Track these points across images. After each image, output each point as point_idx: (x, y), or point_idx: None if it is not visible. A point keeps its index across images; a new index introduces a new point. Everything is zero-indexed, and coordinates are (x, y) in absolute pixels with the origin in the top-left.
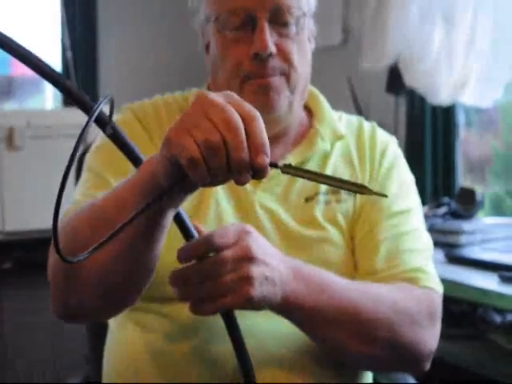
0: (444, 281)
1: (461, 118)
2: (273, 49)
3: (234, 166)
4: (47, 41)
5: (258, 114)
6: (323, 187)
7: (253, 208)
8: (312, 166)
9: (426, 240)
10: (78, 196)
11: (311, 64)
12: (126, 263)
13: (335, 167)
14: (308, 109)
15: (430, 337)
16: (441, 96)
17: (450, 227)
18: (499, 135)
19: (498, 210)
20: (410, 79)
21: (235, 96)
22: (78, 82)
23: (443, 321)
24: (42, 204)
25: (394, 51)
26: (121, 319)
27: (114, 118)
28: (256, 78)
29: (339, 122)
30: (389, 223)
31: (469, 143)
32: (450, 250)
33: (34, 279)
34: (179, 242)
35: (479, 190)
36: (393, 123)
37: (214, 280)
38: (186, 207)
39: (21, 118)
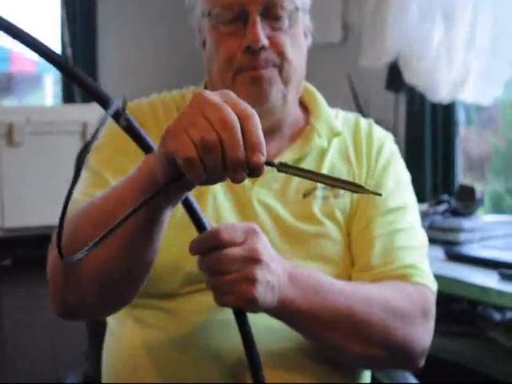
0: (444, 278)
1: (461, 116)
2: (265, 42)
3: (230, 164)
4: (47, 38)
5: (254, 112)
6: (319, 184)
7: (251, 203)
8: (309, 162)
9: (421, 237)
10: (77, 195)
11: (310, 61)
12: (124, 260)
13: (332, 163)
14: (304, 106)
15: (423, 334)
16: (440, 93)
17: (450, 225)
18: (499, 133)
19: (498, 207)
20: (409, 76)
21: (231, 94)
22: None
23: (443, 319)
24: (42, 201)
25: (394, 48)
26: (120, 316)
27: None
28: (248, 70)
29: (336, 118)
30: (384, 219)
31: (469, 141)
32: (449, 248)
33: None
34: (178, 238)
35: (479, 187)
36: (392, 120)
37: (219, 276)
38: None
39: (20, 114)
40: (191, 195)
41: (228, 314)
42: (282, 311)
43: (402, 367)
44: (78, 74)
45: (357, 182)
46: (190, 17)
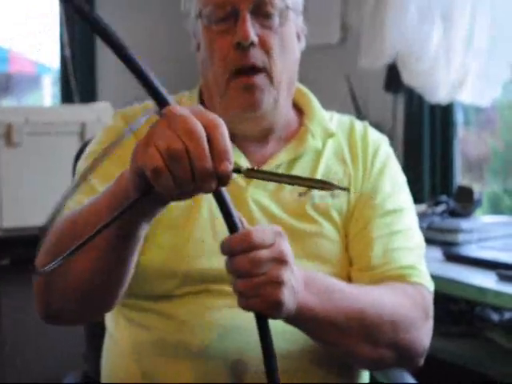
0: (442, 279)
1: (459, 117)
2: (254, 39)
3: (198, 174)
4: (46, 38)
5: (221, 121)
6: None
7: (246, 204)
8: (305, 162)
9: (419, 239)
10: (73, 203)
11: (309, 61)
12: (101, 271)
13: (328, 164)
14: (298, 108)
15: (424, 335)
16: (439, 94)
17: (448, 225)
18: (497, 134)
19: (496, 208)
20: (408, 78)
21: (200, 107)
22: (77, 79)
23: (441, 319)
24: (41, 200)
25: (393, 50)
26: (116, 318)
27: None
28: (241, 73)
29: (330, 121)
30: (382, 221)
31: (467, 142)
32: (447, 249)
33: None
34: (173, 239)
35: (477, 188)
36: (391, 121)
37: (248, 279)
38: (179, 205)
39: (19, 114)
40: (226, 193)
41: (224, 317)
42: (300, 317)
43: (404, 366)
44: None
45: (353, 184)
46: (186, 22)
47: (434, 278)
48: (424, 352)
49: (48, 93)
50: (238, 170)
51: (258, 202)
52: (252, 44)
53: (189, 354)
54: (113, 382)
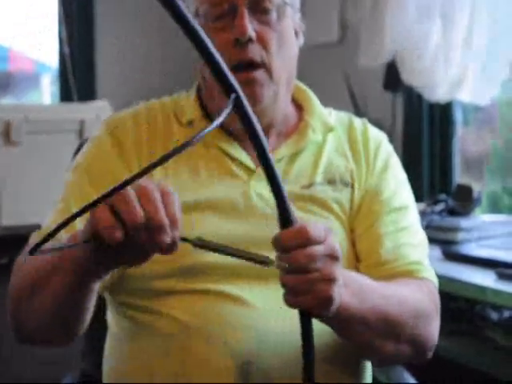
0: (441, 278)
1: (458, 116)
2: (252, 34)
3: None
4: (45, 36)
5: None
6: (318, 177)
7: (249, 197)
8: (307, 157)
9: (422, 235)
10: (48, 222)
11: (308, 60)
12: (57, 312)
13: (330, 158)
14: (297, 103)
15: (435, 330)
16: (438, 93)
17: (447, 224)
18: (497, 132)
19: (495, 207)
20: (407, 76)
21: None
22: (76, 77)
23: (441, 317)
24: (40, 199)
25: (392, 48)
26: (118, 317)
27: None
28: (240, 69)
29: (329, 116)
30: (388, 219)
31: (466, 141)
32: (447, 247)
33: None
34: None
35: (476, 187)
36: (390, 120)
37: (301, 274)
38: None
39: (18, 112)
40: (283, 186)
41: (227, 317)
42: (337, 316)
43: (416, 361)
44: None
45: (356, 179)
46: None
47: None
48: (434, 346)
49: (47, 91)
50: (185, 239)
51: (261, 195)
52: (250, 40)
53: (191, 355)
54: (114, 381)
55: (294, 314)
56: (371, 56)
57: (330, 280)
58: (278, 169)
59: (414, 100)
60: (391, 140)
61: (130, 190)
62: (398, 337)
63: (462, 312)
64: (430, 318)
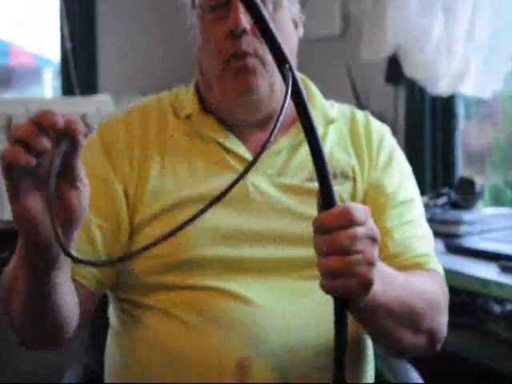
0: (444, 271)
1: (460, 109)
2: (246, 26)
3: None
4: (46, 31)
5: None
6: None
7: (246, 189)
8: (307, 148)
9: (427, 228)
10: None
11: (310, 53)
12: (31, 313)
13: (331, 151)
14: None
15: (445, 321)
16: (440, 86)
17: (450, 217)
18: (499, 126)
19: (498, 200)
20: (409, 70)
21: None
22: (77, 71)
23: None
24: None
25: (394, 41)
26: (119, 314)
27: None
28: (233, 59)
29: (331, 108)
30: (394, 213)
31: (468, 134)
32: (449, 240)
33: None
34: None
35: (479, 180)
36: (392, 114)
37: (343, 256)
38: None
39: (20, 106)
40: (328, 166)
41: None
42: (367, 304)
43: (427, 353)
44: None
45: (358, 173)
46: (183, 15)
47: None
48: (444, 338)
49: (49, 86)
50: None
51: (258, 187)
52: (244, 32)
53: (191, 353)
54: (115, 377)
55: (294, 311)
56: (373, 49)
57: (371, 263)
58: (278, 161)
59: (416, 93)
60: (393, 133)
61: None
62: (417, 328)
63: (464, 305)
64: (442, 310)
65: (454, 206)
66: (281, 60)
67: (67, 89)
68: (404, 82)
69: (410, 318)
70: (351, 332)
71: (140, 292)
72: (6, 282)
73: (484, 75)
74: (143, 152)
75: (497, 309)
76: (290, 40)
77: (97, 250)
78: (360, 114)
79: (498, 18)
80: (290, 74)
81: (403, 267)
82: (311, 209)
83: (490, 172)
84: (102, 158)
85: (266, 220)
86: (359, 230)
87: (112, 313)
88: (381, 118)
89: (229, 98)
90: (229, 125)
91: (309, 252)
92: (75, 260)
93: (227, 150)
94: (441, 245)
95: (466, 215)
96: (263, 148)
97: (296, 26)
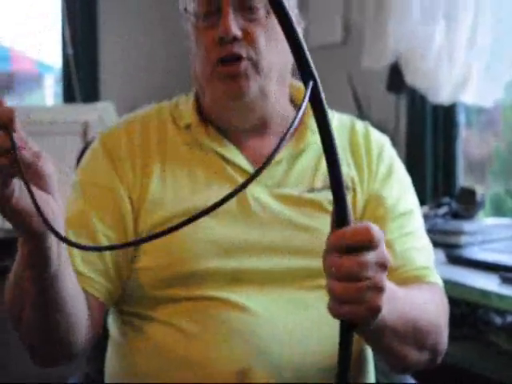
0: (444, 281)
1: (461, 118)
2: (237, 32)
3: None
4: (48, 37)
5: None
6: (318, 182)
7: (246, 201)
8: (307, 159)
9: (426, 240)
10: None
11: (312, 61)
12: (40, 317)
13: None
14: (296, 104)
15: (446, 334)
16: (442, 95)
17: (451, 227)
18: (500, 135)
19: (499, 210)
20: (411, 78)
21: None
22: (79, 78)
23: None
24: None
25: (395, 49)
26: (120, 325)
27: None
28: (221, 64)
29: (331, 118)
30: (394, 225)
31: (469, 143)
32: (450, 251)
33: None
34: (162, 250)
35: (480, 190)
36: (393, 122)
37: (351, 283)
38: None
39: (21, 113)
40: (344, 182)
41: (227, 325)
42: (375, 326)
43: (428, 367)
44: None
45: (358, 185)
46: (182, 23)
47: None
48: (444, 351)
49: (50, 92)
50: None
51: (258, 198)
52: (235, 39)
53: (192, 363)
54: None
55: (296, 321)
56: (375, 57)
57: (380, 289)
58: (278, 171)
59: (417, 102)
60: (394, 142)
61: None
62: (422, 345)
63: (465, 316)
64: (443, 324)
65: (455, 215)
66: (303, 66)
67: (68, 95)
68: (405, 90)
69: (415, 335)
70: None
71: (143, 304)
72: (11, 292)
73: (485, 83)
74: (144, 161)
75: (498, 320)
76: (282, 46)
77: (105, 261)
78: (360, 125)
79: (500, 24)
80: (311, 80)
81: (403, 280)
82: (311, 220)
83: (491, 181)
84: (106, 165)
85: (266, 231)
86: (370, 256)
87: (112, 324)
88: (382, 126)
89: (219, 101)
90: (226, 133)
91: (310, 262)
92: (75, 246)
93: (226, 160)
94: (441, 255)
95: (466, 225)
96: (266, 163)
97: None
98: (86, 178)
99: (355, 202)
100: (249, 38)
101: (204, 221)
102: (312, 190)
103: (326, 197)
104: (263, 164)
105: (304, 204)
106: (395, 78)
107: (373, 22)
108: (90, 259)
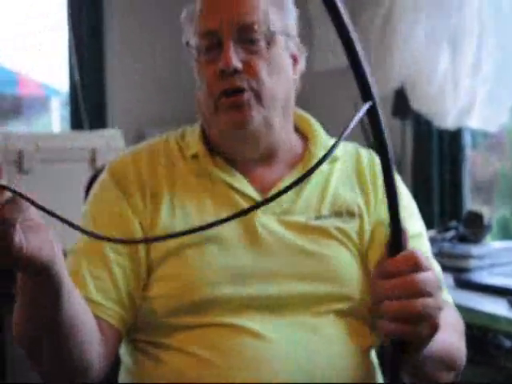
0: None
1: (467, 140)
2: (238, 65)
3: None
4: (54, 61)
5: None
6: (325, 209)
7: (255, 228)
8: (314, 187)
9: (435, 262)
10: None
11: (317, 86)
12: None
13: (336, 189)
14: (302, 133)
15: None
16: (447, 120)
17: (459, 251)
18: (506, 157)
19: (506, 233)
20: (416, 103)
21: None
22: (86, 103)
23: None
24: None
25: (400, 75)
26: (133, 352)
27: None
28: (224, 96)
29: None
30: None
31: (475, 165)
32: (458, 275)
33: None
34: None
35: (487, 213)
36: (399, 147)
37: (416, 300)
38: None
39: (30, 141)
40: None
41: (242, 349)
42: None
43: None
44: None
45: (365, 211)
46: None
47: None
48: None
49: (56, 115)
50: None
51: (266, 226)
52: (237, 71)
53: None
54: None
55: (306, 347)
56: (380, 83)
57: (440, 308)
58: (286, 199)
59: (422, 127)
60: (401, 166)
61: None
62: (452, 367)
63: (474, 340)
64: (464, 343)
65: (463, 239)
66: (362, 86)
67: (75, 121)
68: (411, 115)
69: (450, 359)
70: (360, 354)
71: (157, 332)
72: (22, 334)
73: (491, 108)
74: (153, 190)
75: (507, 344)
76: (284, 76)
77: (119, 289)
78: (364, 152)
79: (504, 51)
80: (366, 111)
81: None
82: (318, 246)
83: (497, 204)
84: (115, 194)
85: (275, 258)
86: (429, 274)
87: (124, 351)
88: None
89: (224, 132)
90: (234, 162)
91: (318, 288)
92: (102, 238)
93: (234, 190)
94: (450, 279)
95: (474, 249)
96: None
97: (296, 60)
98: (96, 207)
99: (363, 228)
100: (250, 70)
101: (214, 249)
102: (319, 217)
103: (333, 223)
104: (270, 197)
105: (311, 231)
106: (401, 103)
107: (377, 48)
108: (104, 287)
